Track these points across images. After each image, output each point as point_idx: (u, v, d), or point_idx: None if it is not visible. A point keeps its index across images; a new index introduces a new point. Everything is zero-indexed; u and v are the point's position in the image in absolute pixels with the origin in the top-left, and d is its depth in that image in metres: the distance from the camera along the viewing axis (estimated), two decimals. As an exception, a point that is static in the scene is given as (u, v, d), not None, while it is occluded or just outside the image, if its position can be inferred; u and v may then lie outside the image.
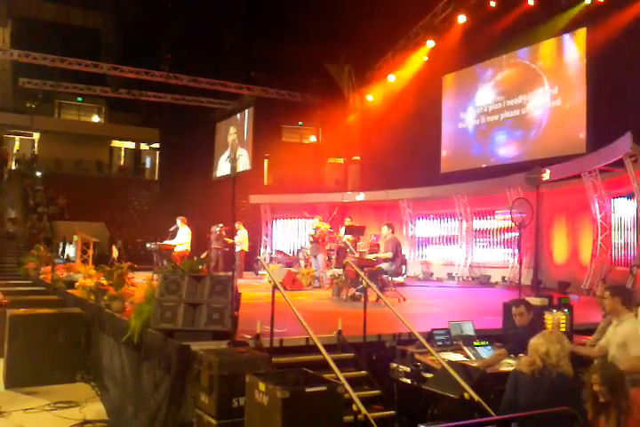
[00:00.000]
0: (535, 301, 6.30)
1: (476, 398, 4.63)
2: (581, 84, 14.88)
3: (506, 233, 16.49)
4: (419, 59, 20.24)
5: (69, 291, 10.65)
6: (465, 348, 5.93)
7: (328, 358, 5.02)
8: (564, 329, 6.21)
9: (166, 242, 13.39)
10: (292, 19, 24.55)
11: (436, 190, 18.04)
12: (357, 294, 10.04)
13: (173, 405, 5.40)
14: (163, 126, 31.22)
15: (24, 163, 32.20)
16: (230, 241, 15.03)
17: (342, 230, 14.14)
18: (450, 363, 5.21)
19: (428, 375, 5.42)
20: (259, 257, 18.08)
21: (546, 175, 13.07)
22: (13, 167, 31.66)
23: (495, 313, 7.12)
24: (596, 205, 13.27)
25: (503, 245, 16.66)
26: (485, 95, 17.96)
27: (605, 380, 3.84)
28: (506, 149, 17.20)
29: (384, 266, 10.37)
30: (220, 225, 15.44)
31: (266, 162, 25.80)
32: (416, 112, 18.79)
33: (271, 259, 19.93)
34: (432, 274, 17.91)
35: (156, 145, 34.49)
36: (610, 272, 12.69)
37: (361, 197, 20.04)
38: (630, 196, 12.45)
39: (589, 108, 14.49)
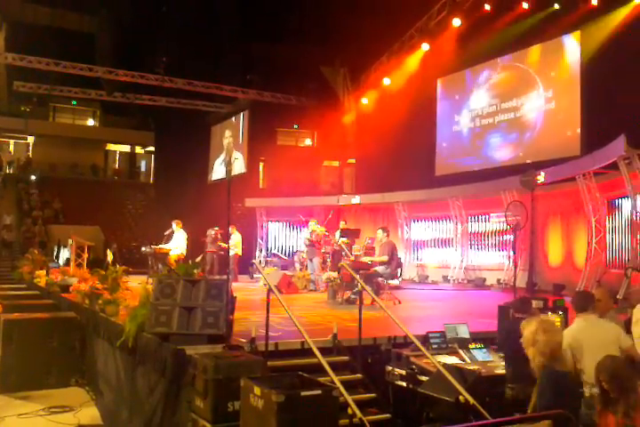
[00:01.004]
0: (530, 303, 6.30)
1: (472, 401, 4.63)
2: (575, 87, 14.94)
3: (501, 235, 16.53)
4: (413, 62, 20.27)
5: (64, 295, 10.62)
6: (460, 351, 5.93)
7: (323, 361, 5.01)
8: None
9: (161, 246, 13.37)
10: (287, 22, 24.59)
11: (432, 193, 18.05)
12: (353, 297, 10.04)
13: (168, 409, 5.39)
14: (158, 130, 31.19)
15: (18, 167, 32.13)
16: (224, 245, 15.01)
17: (337, 233, 14.15)
18: (445, 366, 5.21)
19: (424, 378, 5.42)
20: (254, 260, 18.04)
21: (540, 178, 13.13)
22: (8, 171, 31.57)
23: (490, 316, 7.12)
24: (591, 208, 13.31)
25: (498, 248, 16.69)
26: (480, 98, 18.01)
27: (613, 377, 3.82)
28: (500, 152, 17.24)
29: (379, 269, 10.37)
30: (216, 228, 15.41)
31: (261, 165, 25.80)
32: (411, 115, 18.83)
33: (266, 262, 19.92)
34: (427, 277, 17.92)
35: (152, 148, 34.44)
36: (604, 274, 12.73)
37: (356, 199, 20.06)
38: (624, 198, 12.49)
39: (583, 111, 14.54)
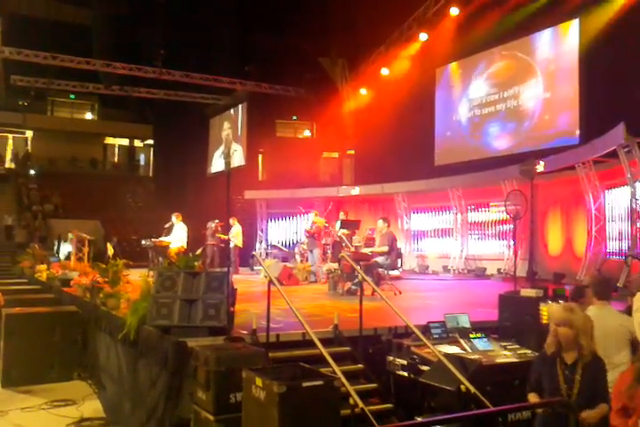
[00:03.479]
0: (530, 292, 6.30)
1: (473, 390, 4.64)
2: (574, 75, 14.88)
3: (501, 225, 16.52)
4: (412, 52, 20.20)
5: (65, 289, 10.64)
6: (461, 340, 5.93)
7: (324, 352, 5.01)
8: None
9: (162, 239, 13.37)
10: (285, 13, 24.45)
11: (431, 183, 18.03)
12: (353, 288, 10.05)
13: (170, 401, 5.40)
14: (156, 123, 31.13)
15: (17, 161, 32.09)
16: (224, 237, 15.00)
17: (337, 225, 14.15)
18: (446, 355, 5.22)
19: (425, 368, 5.43)
20: (254, 252, 18.05)
21: (540, 167, 13.11)
22: (7, 166, 31.54)
23: (491, 305, 7.13)
24: (590, 196, 13.30)
25: (498, 238, 16.69)
26: (478, 87, 17.95)
27: None
28: (499, 141, 17.21)
29: (380, 260, 10.38)
30: (216, 221, 15.41)
31: (260, 157, 25.76)
32: (409, 105, 18.77)
33: (267, 254, 19.92)
34: (427, 267, 17.93)
35: (150, 141, 34.39)
36: (604, 263, 12.74)
37: (356, 191, 20.04)
38: (624, 186, 12.48)
39: (582, 99, 14.49)
